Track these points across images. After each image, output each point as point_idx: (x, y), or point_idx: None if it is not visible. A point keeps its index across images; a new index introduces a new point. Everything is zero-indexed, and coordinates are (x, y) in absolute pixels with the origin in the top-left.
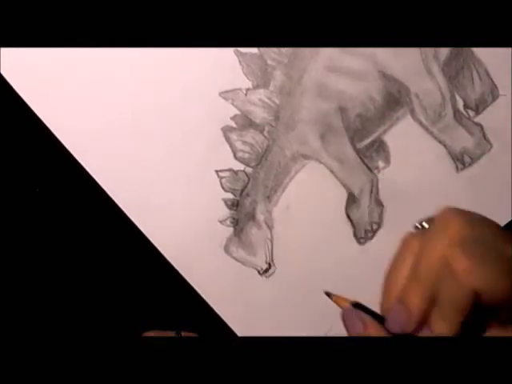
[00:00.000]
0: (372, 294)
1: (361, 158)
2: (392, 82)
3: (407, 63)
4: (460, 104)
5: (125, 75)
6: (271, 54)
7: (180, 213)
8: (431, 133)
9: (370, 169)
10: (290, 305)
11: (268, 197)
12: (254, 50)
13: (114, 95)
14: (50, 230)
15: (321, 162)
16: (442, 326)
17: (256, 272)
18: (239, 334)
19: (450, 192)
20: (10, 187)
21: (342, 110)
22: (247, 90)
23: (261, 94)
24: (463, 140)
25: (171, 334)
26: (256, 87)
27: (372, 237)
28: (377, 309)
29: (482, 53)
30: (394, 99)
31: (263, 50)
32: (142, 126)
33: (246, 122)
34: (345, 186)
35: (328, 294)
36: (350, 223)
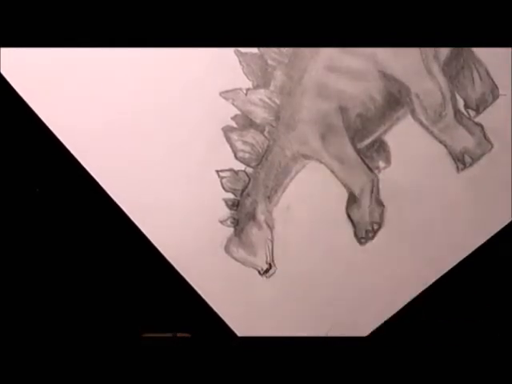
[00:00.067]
0: (372, 293)
1: (361, 157)
2: (392, 82)
3: (407, 63)
4: (460, 104)
5: (125, 75)
6: (271, 53)
7: (180, 213)
8: (432, 133)
9: (370, 169)
10: (290, 305)
11: (268, 197)
12: (255, 50)
13: (114, 95)
14: (50, 230)
15: (321, 162)
16: None
17: (256, 272)
18: (239, 334)
19: (451, 192)
20: (10, 187)
21: (343, 110)
22: (247, 89)
23: (261, 93)
24: (464, 140)
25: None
26: (256, 87)
27: (373, 237)
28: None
29: (483, 53)
30: (395, 99)
31: (263, 49)
32: (142, 126)
33: (246, 122)
34: (345, 185)
35: None
36: (350, 223)
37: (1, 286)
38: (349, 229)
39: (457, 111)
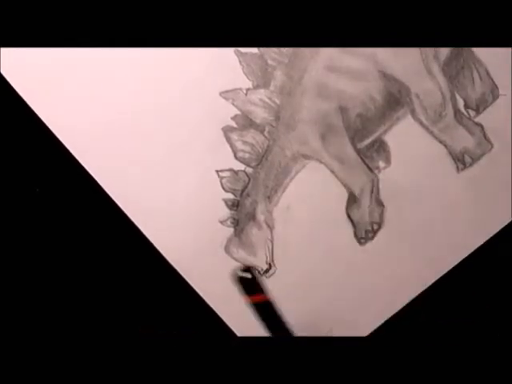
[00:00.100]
0: (372, 293)
1: (361, 157)
2: (392, 82)
3: (407, 63)
4: (460, 104)
5: (125, 75)
6: (271, 53)
7: (180, 213)
8: (432, 133)
9: (370, 169)
10: (290, 305)
11: (268, 197)
12: (255, 50)
13: (114, 95)
14: (50, 230)
15: (321, 162)
16: None
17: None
18: (239, 334)
19: (451, 192)
20: (10, 187)
21: (343, 110)
22: (247, 89)
23: (261, 93)
24: (464, 140)
25: None
26: (256, 87)
27: (373, 237)
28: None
29: (483, 53)
30: (395, 99)
31: (263, 49)
32: (142, 126)
33: (246, 122)
34: (345, 185)
35: None
36: (350, 223)
37: (1, 285)
38: (349, 229)
39: (457, 111)
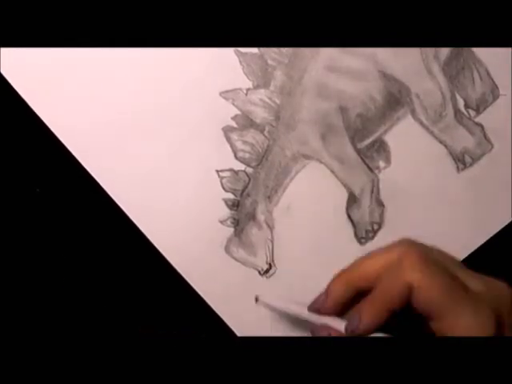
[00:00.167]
0: None
1: (361, 157)
2: (392, 82)
3: (407, 63)
4: (461, 104)
5: (125, 75)
6: (271, 53)
7: (180, 213)
8: (432, 133)
9: (370, 169)
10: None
11: (268, 197)
12: (255, 50)
13: (114, 95)
14: (50, 230)
15: (321, 162)
16: (368, 311)
17: (256, 272)
18: (239, 334)
19: (451, 192)
20: (10, 187)
21: (343, 110)
22: (248, 89)
23: (261, 93)
24: (464, 140)
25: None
26: (256, 87)
27: (373, 237)
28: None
29: (483, 53)
30: (395, 99)
31: (263, 49)
32: (142, 126)
33: (246, 121)
34: (345, 185)
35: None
36: (350, 223)
37: (1, 285)
38: (349, 229)
39: (457, 111)
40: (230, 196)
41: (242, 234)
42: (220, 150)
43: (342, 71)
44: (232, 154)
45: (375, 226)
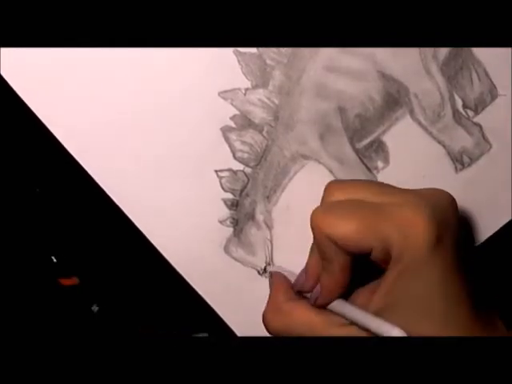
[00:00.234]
0: None
1: (360, 158)
2: (391, 82)
3: (406, 63)
4: (459, 104)
5: (125, 75)
6: (270, 53)
7: (180, 213)
8: (430, 133)
9: (369, 169)
10: None
11: (267, 197)
12: (253, 50)
13: (114, 95)
14: (50, 230)
15: (320, 162)
16: (324, 278)
17: (256, 272)
18: (239, 334)
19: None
20: (10, 187)
21: (341, 110)
22: (246, 89)
23: (260, 93)
24: (462, 140)
25: None
26: (255, 87)
27: None
28: None
29: (482, 53)
30: (393, 99)
31: (262, 49)
32: (141, 126)
33: (245, 122)
34: None
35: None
36: None
37: (1, 285)
38: None
39: (455, 111)
40: (229, 196)
41: (241, 233)
42: (219, 150)
43: (341, 71)
44: (231, 154)
45: None
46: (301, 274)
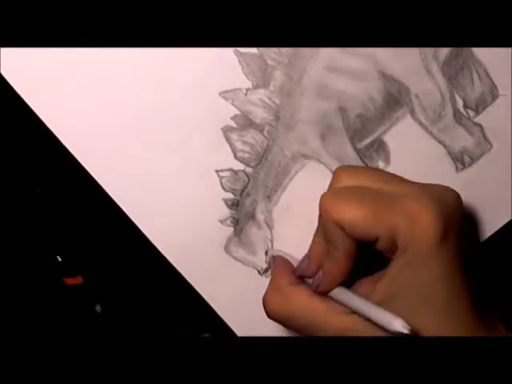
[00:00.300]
0: None
1: (361, 157)
2: (392, 82)
3: (407, 63)
4: (460, 104)
5: (125, 75)
6: (271, 53)
7: (180, 212)
8: (431, 133)
9: None
10: None
11: (268, 196)
12: (254, 50)
13: (114, 95)
14: (49, 230)
15: (321, 162)
16: (327, 264)
17: (256, 272)
18: (239, 334)
19: None
20: (10, 187)
21: (342, 110)
22: (247, 89)
23: (261, 93)
24: (463, 140)
25: None
26: (256, 87)
27: None
28: None
29: (482, 53)
30: (394, 99)
31: (263, 49)
32: (141, 126)
33: (246, 121)
34: None
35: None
36: None
37: (1, 285)
38: None
39: (456, 111)
40: (230, 196)
41: (241, 233)
42: (219, 150)
43: (342, 71)
44: (232, 154)
45: None
46: (303, 259)
